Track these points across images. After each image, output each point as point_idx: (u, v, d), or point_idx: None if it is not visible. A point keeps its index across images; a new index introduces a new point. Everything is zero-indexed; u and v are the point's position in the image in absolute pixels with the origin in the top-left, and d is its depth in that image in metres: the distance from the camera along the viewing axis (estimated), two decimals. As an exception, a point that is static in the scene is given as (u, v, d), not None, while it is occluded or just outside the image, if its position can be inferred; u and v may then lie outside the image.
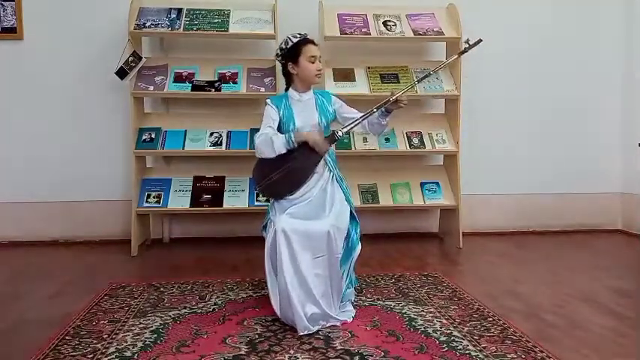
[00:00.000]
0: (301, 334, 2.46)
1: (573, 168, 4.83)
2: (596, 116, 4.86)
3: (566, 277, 3.45)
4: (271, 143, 2.65)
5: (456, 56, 3.13)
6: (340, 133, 2.77)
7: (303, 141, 2.67)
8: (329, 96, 2.93)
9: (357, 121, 2.81)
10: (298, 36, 2.79)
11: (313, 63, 2.78)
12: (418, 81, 3.15)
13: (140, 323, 2.62)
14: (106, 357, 2.25)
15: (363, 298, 2.97)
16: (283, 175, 2.68)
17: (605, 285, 3.27)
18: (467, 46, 3.01)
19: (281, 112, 2.79)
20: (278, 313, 2.58)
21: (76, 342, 2.40)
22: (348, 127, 2.80)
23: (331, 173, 2.81)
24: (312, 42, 2.81)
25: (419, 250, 4.20)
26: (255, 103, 4.49)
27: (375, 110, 2.82)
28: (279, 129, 2.78)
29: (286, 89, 2.90)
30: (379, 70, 4.35)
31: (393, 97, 2.78)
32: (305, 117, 2.80)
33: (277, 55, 2.85)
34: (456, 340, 2.41)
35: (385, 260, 3.84)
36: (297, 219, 2.58)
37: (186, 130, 4.21)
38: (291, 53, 2.78)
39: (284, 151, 2.66)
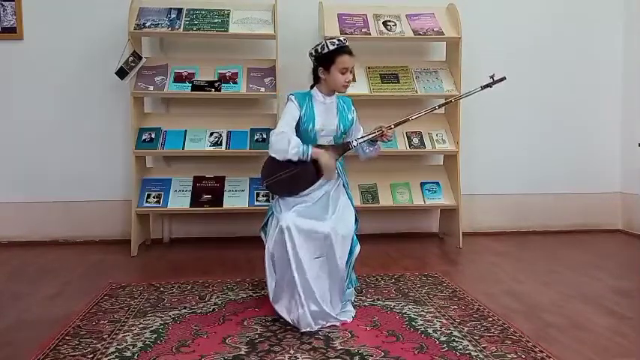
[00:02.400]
0: (303, 330, 2.46)
1: (573, 168, 4.83)
2: (596, 116, 4.86)
3: (566, 277, 3.45)
4: (287, 148, 2.62)
5: (479, 89, 3.08)
6: (355, 143, 2.79)
7: (316, 159, 2.66)
8: (350, 103, 2.91)
9: (372, 135, 2.81)
10: (336, 43, 2.71)
11: (344, 74, 2.73)
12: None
13: (140, 323, 2.62)
14: (106, 357, 2.25)
15: (363, 298, 2.97)
16: (292, 175, 2.67)
17: (605, 285, 3.27)
18: (491, 81, 3.00)
19: (302, 111, 2.76)
20: (277, 312, 2.59)
21: (76, 342, 2.40)
22: (363, 140, 2.80)
23: (339, 178, 2.82)
24: (348, 52, 2.73)
25: (419, 250, 4.20)
26: (255, 103, 4.50)
27: (392, 126, 2.85)
28: (297, 126, 2.76)
29: (311, 87, 2.86)
30: (379, 70, 4.35)
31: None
32: (325, 120, 2.78)
33: (311, 55, 2.80)
34: (456, 340, 2.41)
35: (385, 260, 3.84)
36: (302, 217, 2.58)
37: (186, 130, 4.20)
38: (325, 59, 2.73)
39: (295, 159, 2.65)
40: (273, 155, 2.68)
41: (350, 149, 2.79)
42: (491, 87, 3.03)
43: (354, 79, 4.20)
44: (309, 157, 2.65)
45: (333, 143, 2.80)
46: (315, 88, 2.83)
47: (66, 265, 3.74)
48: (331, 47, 2.71)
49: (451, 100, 3.31)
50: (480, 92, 3.06)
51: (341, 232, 2.60)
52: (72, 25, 4.36)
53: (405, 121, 2.95)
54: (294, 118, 2.74)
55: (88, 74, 4.38)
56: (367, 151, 2.91)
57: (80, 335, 2.48)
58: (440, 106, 3.19)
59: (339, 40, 2.74)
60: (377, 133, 2.80)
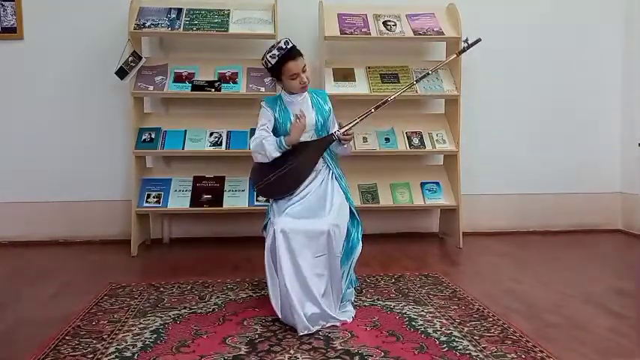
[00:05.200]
0: (301, 334, 2.45)
1: (573, 168, 4.83)
2: (596, 116, 4.86)
3: (566, 277, 3.45)
4: (264, 149, 2.66)
5: (455, 56, 3.13)
6: (338, 133, 2.78)
7: (295, 143, 2.68)
8: (324, 95, 2.92)
9: (355, 122, 2.82)
10: (276, 55, 2.67)
11: (295, 79, 2.71)
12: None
13: (140, 323, 2.62)
14: (106, 357, 2.25)
15: (363, 298, 2.97)
16: (281, 175, 2.69)
17: (605, 285, 3.27)
18: (465, 45, 3.01)
19: (277, 114, 2.77)
20: (279, 314, 2.58)
21: (76, 342, 2.40)
22: (345, 129, 2.79)
23: (330, 171, 2.82)
24: (291, 58, 2.67)
25: (419, 250, 4.20)
26: (255, 103, 4.47)
27: (372, 110, 2.89)
28: (277, 129, 2.77)
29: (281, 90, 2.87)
30: (379, 70, 4.35)
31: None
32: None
33: (262, 64, 2.80)
34: (456, 340, 2.41)
35: (385, 260, 3.84)
36: (296, 219, 2.59)
37: (186, 130, 4.20)
38: (273, 71, 2.74)
39: (278, 154, 2.68)
40: (256, 161, 2.73)
41: (334, 140, 2.79)
42: (466, 50, 3.03)
43: (354, 80, 4.24)
44: (285, 145, 2.67)
45: (316, 137, 2.80)
46: (282, 90, 2.84)
47: (66, 265, 3.74)
48: (273, 61, 2.68)
49: (428, 73, 3.16)
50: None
51: (339, 227, 2.61)
52: (72, 25, 4.36)
53: (383, 104, 2.94)
54: (269, 122, 2.76)
55: (88, 74, 4.38)
56: (336, 151, 2.89)
57: (80, 335, 2.48)
58: (417, 81, 3.22)
59: (279, 48, 2.68)
60: (353, 124, 2.81)
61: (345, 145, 2.86)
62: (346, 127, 2.80)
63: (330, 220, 2.60)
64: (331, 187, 2.76)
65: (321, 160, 2.78)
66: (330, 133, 2.81)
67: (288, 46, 2.69)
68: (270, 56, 2.69)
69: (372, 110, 2.90)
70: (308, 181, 2.74)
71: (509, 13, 4.70)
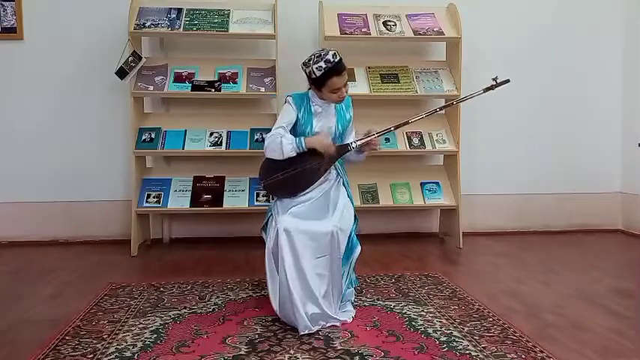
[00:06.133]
0: (302, 333, 2.46)
1: (573, 168, 4.83)
2: (596, 116, 4.86)
3: (566, 277, 3.45)
4: (280, 147, 2.63)
5: (481, 92, 3.04)
6: (354, 145, 2.77)
7: (313, 147, 2.67)
8: (349, 101, 2.87)
9: (373, 136, 2.80)
10: (323, 67, 2.60)
11: (336, 93, 2.67)
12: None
13: (140, 323, 2.62)
14: (106, 357, 2.25)
15: (363, 298, 2.97)
16: (290, 176, 2.68)
17: (605, 285, 3.27)
18: (494, 83, 2.98)
19: (300, 114, 2.74)
20: (277, 312, 2.59)
21: (76, 342, 2.40)
22: (363, 141, 2.79)
23: (338, 177, 2.82)
24: (338, 73, 2.62)
25: (419, 250, 4.20)
26: (256, 103, 4.50)
27: (392, 128, 2.90)
28: (294, 129, 2.75)
29: (309, 88, 2.80)
30: (379, 70, 4.35)
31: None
32: (323, 122, 2.77)
33: (303, 70, 2.72)
34: (456, 340, 2.41)
35: (385, 260, 3.84)
36: (300, 219, 2.59)
37: (186, 130, 4.20)
38: (315, 82, 2.69)
39: (293, 154, 2.65)
40: (269, 157, 2.69)
41: (349, 151, 2.78)
42: (493, 89, 2.99)
43: (354, 80, 4.24)
44: (305, 147, 2.65)
45: None
46: (312, 91, 2.79)
47: (66, 265, 3.73)
48: (318, 73, 2.61)
49: (452, 103, 3.31)
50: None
51: (343, 229, 2.61)
52: (72, 25, 4.36)
53: (404, 124, 2.95)
54: (290, 121, 2.73)
55: (88, 74, 4.38)
56: (352, 158, 2.89)
57: (80, 335, 2.48)
58: (441, 109, 3.18)
59: (327, 60, 2.61)
60: (368, 139, 2.78)
61: (363, 154, 2.85)
62: (364, 140, 2.78)
63: (334, 221, 2.60)
64: (337, 192, 2.76)
65: (332, 166, 2.78)
66: (346, 141, 2.80)
67: (336, 59, 2.64)
68: (317, 68, 2.61)
69: (392, 129, 2.91)
70: (316, 185, 2.74)
71: (510, 13, 4.70)
